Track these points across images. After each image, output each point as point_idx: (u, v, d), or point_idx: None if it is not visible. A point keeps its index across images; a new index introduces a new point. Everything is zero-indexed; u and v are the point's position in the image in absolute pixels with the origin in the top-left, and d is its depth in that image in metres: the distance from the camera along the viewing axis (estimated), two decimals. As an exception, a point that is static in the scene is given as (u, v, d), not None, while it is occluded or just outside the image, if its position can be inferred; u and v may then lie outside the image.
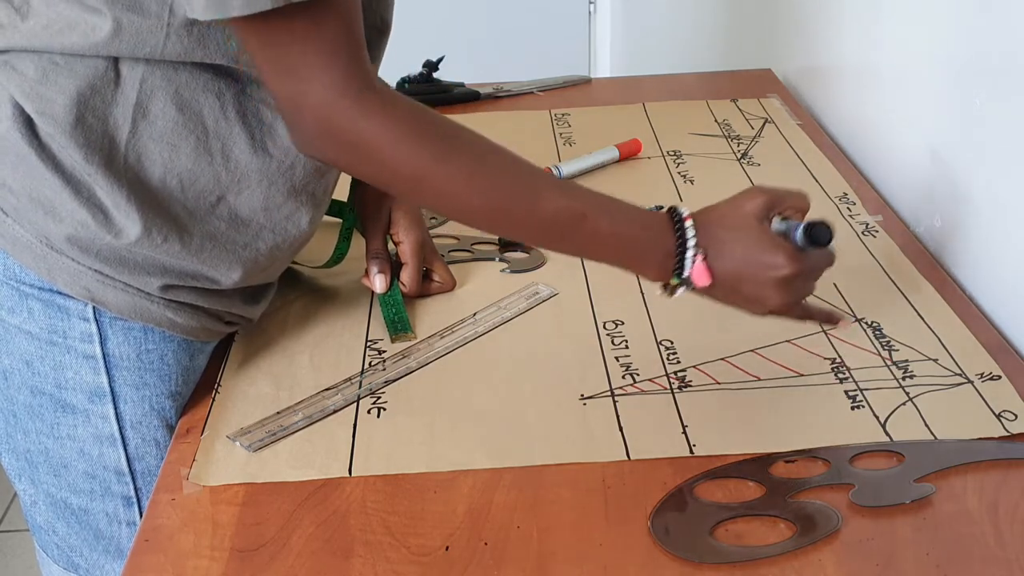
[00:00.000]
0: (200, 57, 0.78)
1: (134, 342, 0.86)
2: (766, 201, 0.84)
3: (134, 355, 0.86)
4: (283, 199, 0.86)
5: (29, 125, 0.79)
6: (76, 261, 0.81)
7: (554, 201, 0.81)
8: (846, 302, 1.00)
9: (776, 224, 0.85)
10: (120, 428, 0.87)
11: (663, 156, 1.35)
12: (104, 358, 0.85)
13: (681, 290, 0.84)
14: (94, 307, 0.84)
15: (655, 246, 0.83)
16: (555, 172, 1.26)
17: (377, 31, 0.90)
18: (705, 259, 0.82)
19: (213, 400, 0.89)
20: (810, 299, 0.88)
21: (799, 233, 0.83)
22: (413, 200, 0.83)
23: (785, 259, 0.82)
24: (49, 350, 0.85)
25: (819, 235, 0.83)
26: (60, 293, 0.83)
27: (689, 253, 0.82)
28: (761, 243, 0.82)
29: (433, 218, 1.17)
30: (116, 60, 0.78)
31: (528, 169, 0.82)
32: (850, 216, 1.17)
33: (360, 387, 0.90)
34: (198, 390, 0.91)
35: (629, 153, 1.34)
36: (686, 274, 0.82)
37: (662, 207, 0.84)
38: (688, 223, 0.82)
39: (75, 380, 0.85)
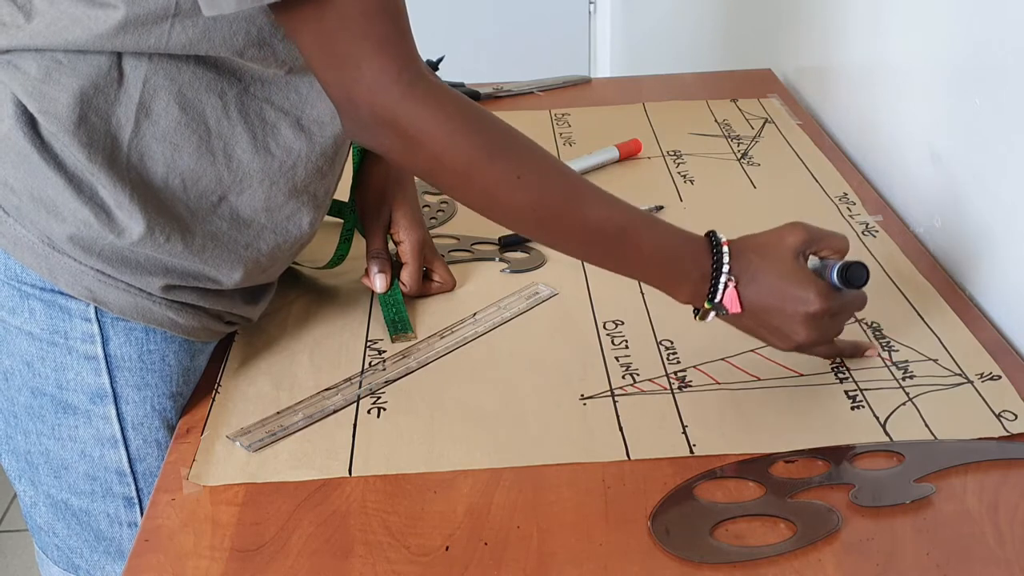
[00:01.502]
0: (205, 50, 0.78)
1: (136, 343, 0.86)
2: (806, 238, 0.84)
3: (136, 356, 0.86)
4: (284, 199, 0.86)
5: (32, 124, 0.79)
6: (78, 261, 0.81)
7: (601, 210, 0.82)
8: (846, 302, 1.00)
9: (812, 261, 0.86)
10: (122, 429, 0.87)
11: (663, 156, 1.35)
12: (106, 359, 0.85)
13: (712, 315, 0.84)
14: (96, 307, 0.84)
15: (692, 267, 0.83)
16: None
17: None
18: (737, 286, 0.83)
19: (213, 400, 0.89)
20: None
21: (835, 272, 0.84)
22: (458, 196, 0.83)
23: (816, 295, 0.82)
24: (50, 351, 0.85)
25: (854, 275, 0.83)
26: (62, 293, 0.83)
27: (723, 278, 0.82)
28: (794, 277, 0.83)
29: (433, 218, 1.17)
30: (119, 58, 0.78)
31: (576, 176, 0.83)
32: (850, 216, 1.17)
33: (360, 387, 0.90)
34: (198, 390, 0.91)
35: (629, 153, 1.34)
36: (718, 299, 0.83)
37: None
38: (725, 248, 0.83)
39: (76, 381, 0.85)
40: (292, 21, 0.74)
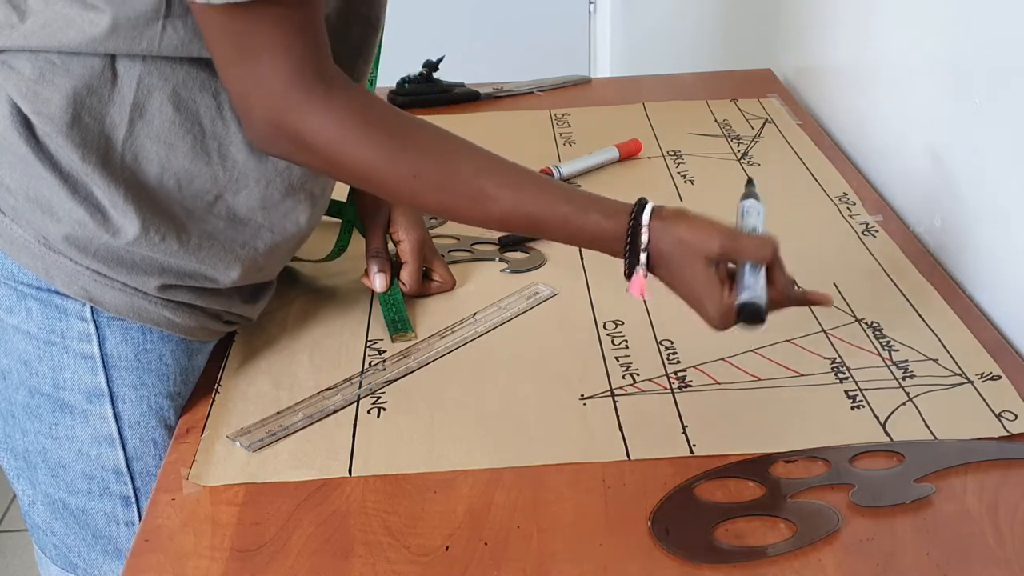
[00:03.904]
0: (197, 51, 0.78)
1: (132, 342, 0.86)
2: (721, 250, 0.80)
3: (132, 355, 0.86)
4: (280, 197, 0.86)
5: (26, 125, 0.79)
6: (74, 261, 0.81)
7: (504, 203, 0.81)
8: (846, 302, 1.00)
9: (743, 264, 0.81)
10: (118, 428, 0.87)
11: (663, 156, 1.35)
12: (102, 358, 0.85)
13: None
14: (92, 307, 0.84)
15: (610, 245, 0.82)
16: (555, 172, 1.26)
17: (369, 28, 0.90)
18: (651, 269, 0.81)
19: (213, 400, 0.89)
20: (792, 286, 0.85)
21: (738, 300, 0.80)
22: (370, 192, 0.86)
23: (714, 311, 0.80)
24: (47, 350, 0.85)
25: (747, 315, 0.79)
26: (58, 293, 0.83)
27: (637, 268, 0.81)
28: (695, 284, 0.80)
29: (433, 218, 1.17)
30: (113, 59, 0.78)
31: (481, 167, 0.82)
32: (850, 216, 1.17)
33: (360, 387, 0.90)
34: (198, 390, 0.91)
35: (629, 153, 1.34)
36: (628, 286, 0.82)
37: (645, 200, 0.82)
38: (644, 236, 0.80)
39: (73, 380, 0.85)
40: (206, 16, 0.74)
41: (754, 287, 0.80)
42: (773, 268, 0.81)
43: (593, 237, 0.83)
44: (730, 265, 0.81)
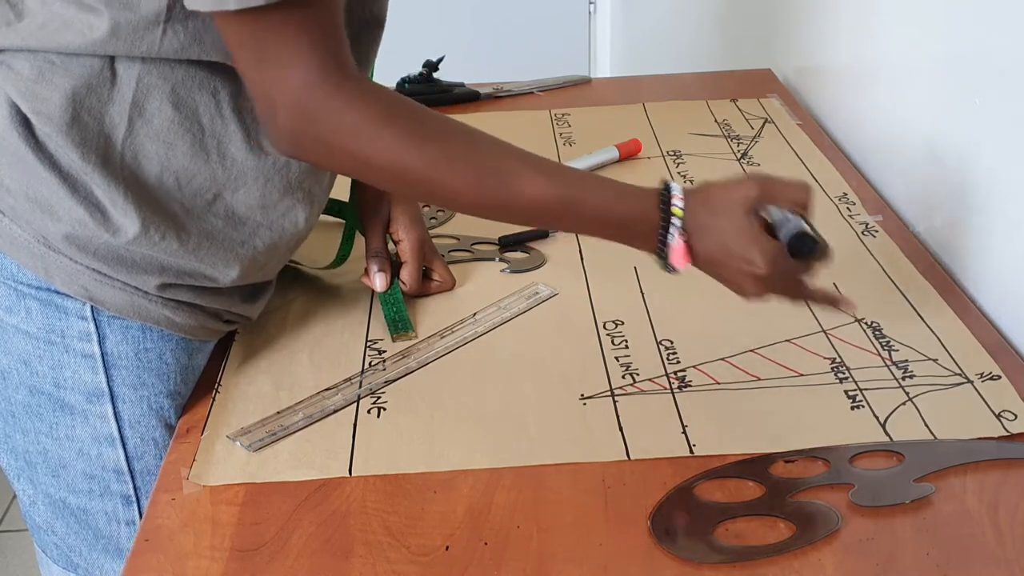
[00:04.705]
0: (196, 54, 0.78)
1: (132, 341, 0.86)
2: (759, 194, 0.82)
3: (132, 354, 0.86)
4: (279, 196, 0.86)
5: (25, 124, 0.79)
6: (74, 260, 0.81)
7: (539, 186, 0.81)
8: (846, 302, 1.00)
9: (774, 213, 0.83)
10: (119, 428, 0.87)
11: (663, 156, 1.35)
12: (102, 357, 0.85)
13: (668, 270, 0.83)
14: (92, 306, 0.84)
15: (642, 224, 0.82)
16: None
17: (371, 26, 0.90)
18: (688, 241, 0.82)
19: (213, 400, 0.89)
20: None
21: (786, 236, 0.81)
22: (396, 189, 0.84)
23: (760, 258, 0.80)
24: (47, 349, 0.85)
25: (800, 246, 0.81)
26: (58, 292, 0.83)
27: (672, 231, 0.81)
28: (741, 236, 0.81)
29: (433, 218, 1.17)
30: (112, 59, 0.78)
31: (511, 153, 0.82)
32: (850, 216, 1.17)
33: (360, 387, 0.90)
34: (198, 390, 0.91)
35: (629, 153, 1.34)
36: (668, 256, 0.82)
37: (668, 182, 0.83)
38: (677, 202, 0.82)
39: (73, 380, 0.85)
40: (226, 23, 0.74)
41: (797, 221, 0.81)
42: (807, 214, 0.82)
43: (625, 215, 0.82)
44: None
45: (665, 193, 0.82)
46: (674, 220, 0.81)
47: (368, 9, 0.89)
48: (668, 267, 0.83)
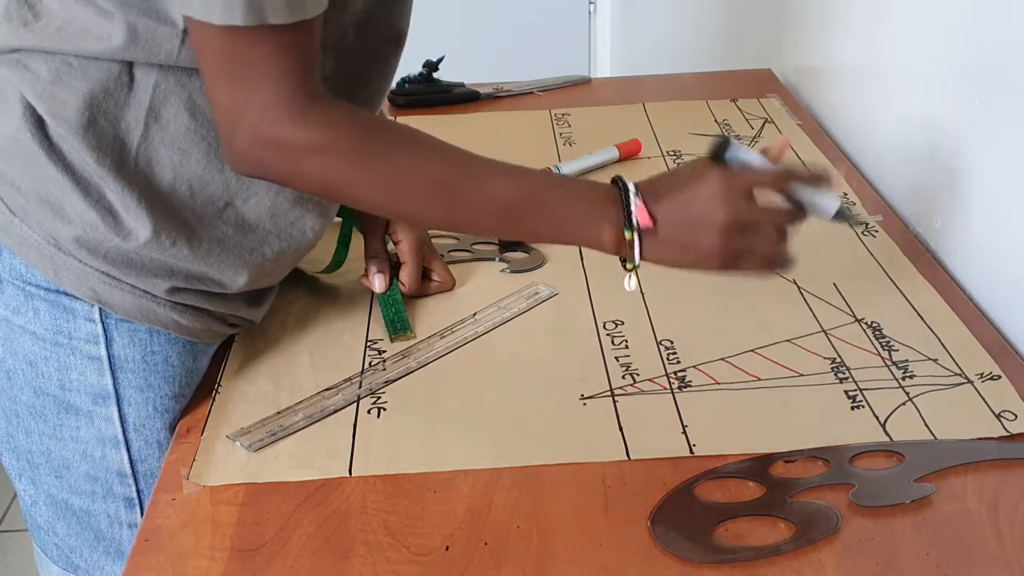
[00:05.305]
0: None
1: (139, 344, 0.86)
2: (719, 172, 0.82)
3: (139, 357, 0.86)
4: (289, 206, 0.86)
5: (40, 125, 0.79)
6: (83, 262, 0.81)
7: (502, 182, 0.81)
8: (846, 302, 1.00)
9: (801, 192, 0.85)
10: (123, 430, 0.87)
11: (663, 156, 1.35)
12: (109, 359, 0.85)
13: (637, 254, 0.82)
14: (100, 308, 0.84)
15: (606, 204, 0.81)
16: (555, 172, 1.26)
17: (393, 43, 0.90)
18: (646, 201, 0.81)
19: (213, 400, 0.89)
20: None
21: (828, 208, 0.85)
22: (359, 204, 0.85)
23: (718, 197, 0.79)
24: (54, 351, 0.85)
25: (723, 148, 0.83)
26: (66, 294, 0.83)
27: (631, 197, 0.80)
28: (695, 183, 0.81)
29: (433, 218, 1.17)
30: (130, 64, 0.78)
31: (471, 156, 0.81)
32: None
33: (360, 387, 0.90)
34: (198, 390, 0.91)
35: (629, 153, 1.34)
36: (634, 219, 0.81)
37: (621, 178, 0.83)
38: (631, 183, 0.82)
39: (80, 381, 0.85)
40: (204, 35, 0.73)
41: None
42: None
43: (587, 194, 0.83)
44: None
45: (617, 177, 0.83)
46: (631, 184, 0.81)
47: (391, 26, 0.89)
48: (634, 256, 0.82)
